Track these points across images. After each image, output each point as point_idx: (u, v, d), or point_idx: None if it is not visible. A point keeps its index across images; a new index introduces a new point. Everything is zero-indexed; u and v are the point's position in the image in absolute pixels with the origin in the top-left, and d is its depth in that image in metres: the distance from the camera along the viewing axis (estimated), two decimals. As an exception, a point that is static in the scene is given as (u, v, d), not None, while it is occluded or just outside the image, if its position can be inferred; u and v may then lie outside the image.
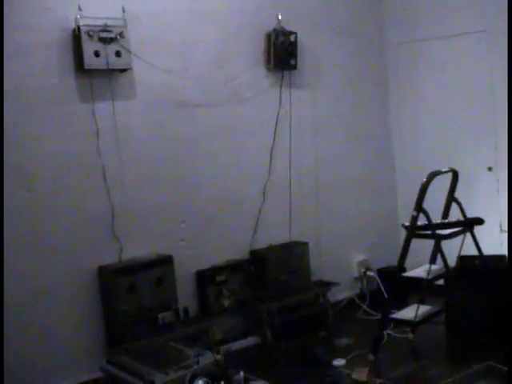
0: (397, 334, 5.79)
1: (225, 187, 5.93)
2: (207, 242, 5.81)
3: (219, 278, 5.73)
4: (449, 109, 6.90)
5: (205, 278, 5.69)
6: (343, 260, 6.87)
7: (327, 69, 6.74)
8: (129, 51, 5.16)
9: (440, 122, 6.99)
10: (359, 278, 6.96)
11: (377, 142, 7.27)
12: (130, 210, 5.36)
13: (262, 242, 6.12)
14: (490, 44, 6.44)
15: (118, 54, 5.08)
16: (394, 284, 5.69)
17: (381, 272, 6.84)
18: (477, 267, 5.53)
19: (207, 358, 4.33)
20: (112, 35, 5.04)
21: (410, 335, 5.64)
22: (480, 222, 5.46)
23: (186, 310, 5.54)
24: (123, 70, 5.25)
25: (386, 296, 6.21)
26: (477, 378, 3.47)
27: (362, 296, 6.87)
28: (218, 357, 4.34)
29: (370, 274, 6.90)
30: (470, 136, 6.75)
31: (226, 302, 5.74)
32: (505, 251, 5.76)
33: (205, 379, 3.96)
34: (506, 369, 3.44)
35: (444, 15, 6.77)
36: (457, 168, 5.67)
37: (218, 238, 5.88)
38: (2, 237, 4.52)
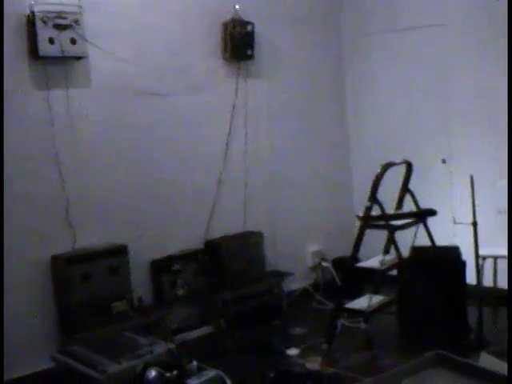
0: (350, 324, 5.83)
1: (181, 176, 5.93)
2: (163, 232, 5.80)
3: (174, 268, 5.73)
4: (404, 102, 6.95)
5: (160, 268, 5.69)
6: (298, 250, 6.91)
7: (284, 60, 6.76)
8: (84, 39, 5.12)
9: (395, 114, 7.05)
10: (314, 268, 7.01)
11: (333, 134, 7.31)
12: (85, 199, 5.34)
13: (217, 232, 6.13)
14: (444, 37, 6.51)
15: (73, 41, 5.03)
16: (348, 274, 5.73)
17: (335, 262, 6.90)
18: (429, 258, 5.59)
19: (160, 348, 4.32)
20: (67, 22, 4.99)
21: (363, 325, 5.68)
22: (433, 213, 5.52)
23: (140, 300, 5.53)
24: (79, 58, 5.21)
25: (339, 286, 6.27)
26: (426, 365, 3.49)
27: (316, 286, 6.91)
28: (172, 346, 4.34)
29: (325, 264, 6.95)
30: (425, 129, 6.82)
31: (181, 292, 5.74)
32: (457, 242, 5.83)
33: (157, 368, 3.95)
34: (455, 357, 3.49)
35: (399, 8, 6.84)
36: (412, 160, 5.73)
37: (174, 228, 5.88)
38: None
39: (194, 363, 4.14)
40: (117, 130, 5.52)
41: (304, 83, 6.98)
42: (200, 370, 4.12)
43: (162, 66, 5.79)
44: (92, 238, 5.35)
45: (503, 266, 6.15)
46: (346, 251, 5.54)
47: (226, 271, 5.92)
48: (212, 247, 6.00)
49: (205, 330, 5.83)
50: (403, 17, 6.85)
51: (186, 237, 5.96)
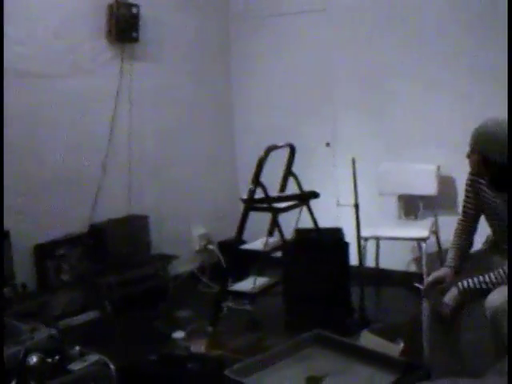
0: (236, 306, 5.89)
1: (65, 159, 5.80)
2: (46, 216, 5.69)
3: (58, 252, 5.62)
4: (290, 86, 7.04)
5: (43, 253, 5.58)
6: (184, 233, 6.91)
7: (170, 42, 6.72)
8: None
9: (281, 97, 7.13)
10: (200, 251, 7.03)
11: (218, 117, 7.34)
12: (-37, 182, 5.19)
13: (101, 216, 6.05)
14: (330, 22, 6.61)
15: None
16: (233, 257, 5.76)
17: (221, 245, 6.94)
18: (312, 239, 5.68)
19: (43, 333, 4.25)
20: None
21: (249, 306, 5.76)
22: (315, 195, 5.61)
23: (24, 286, 5.42)
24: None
25: (225, 268, 6.31)
26: (305, 345, 3.58)
27: (202, 269, 6.94)
28: (54, 331, 4.28)
29: (211, 247, 6.99)
30: (311, 112, 6.93)
31: (66, 277, 5.66)
32: (341, 224, 5.94)
33: (39, 354, 3.89)
34: (333, 336, 3.59)
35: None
36: (297, 143, 5.79)
37: (58, 212, 5.76)
38: None
39: (77, 348, 4.09)
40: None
41: (190, 66, 6.97)
42: (83, 355, 4.07)
43: (46, 47, 5.64)
44: (-29, 222, 5.21)
45: (384, 246, 6.34)
46: (232, 234, 5.57)
47: (110, 255, 5.87)
48: (96, 231, 5.92)
49: (90, 315, 5.74)
50: (289, 1, 6.92)
51: (70, 221, 5.85)
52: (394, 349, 4.03)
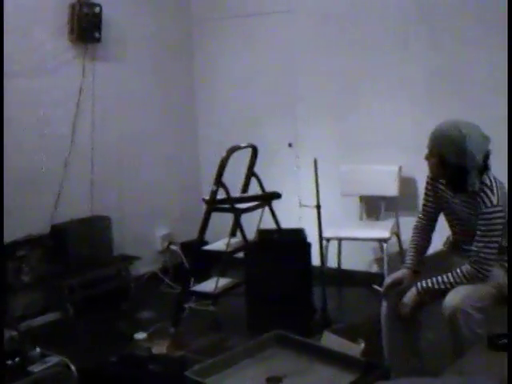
0: (198, 307, 5.88)
1: (27, 159, 5.77)
2: (7, 216, 5.57)
3: (19, 253, 5.58)
4: (254, 86, 7.05)
5: (4, 254, 5.54)
6: (147, 234, 6.89)
7: (133, 43, 6.70)
8: None
9: (244, 98, 7.14)
10: (162, 252, 7.03)
11: (181, 118, 7.34)
12: None
13: (63, 217, 6.00)
14: (293, 24, 6.64)
15: None
16: (196, 257, 5.75)
17: (183, 246, 6.93)
18: (275, 240, 5.70)
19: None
20: None
21: (211, 307, 5.76)
22: (277, 196, 5.63)
23: (-17, 287, 5.39)
24: None
25: (187, 269, 6.30)
26: (266, 345, 3.59)
27: (165, 270, 6.94)
28: (14, 333, 4.25)
29: (173, 247, 6.98)
30: (273, 113, 6.94)
31: (26, 278, 5.62)
32: (303, 225, 5.97)
33: (-1, 356, 3.88)
34: (294, 336, 3.60)
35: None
36: (260, 144, 5.82)
37: (19, 212, 5.69)
38: None
39: (38, 350, 4.08)
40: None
41: (153, 67, 6.96)
42: (44, 356, 4.06)
43: (8, 47, 5.57)
44: None
45: (346, 247, 6.38)
46: (195, 235, 5.57)
47: (72, 256, 5.83)
48: (58, 232, 5.87)
49: (51, 317, 5.74)
50: (252, 2, 6.94)
51: (31, 221, 5.80)
52: (355, 349, 4.05)
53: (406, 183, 6.15)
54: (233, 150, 5.34)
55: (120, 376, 4.27)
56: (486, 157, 3.69)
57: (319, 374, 3.35)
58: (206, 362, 3.44)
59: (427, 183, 4.06)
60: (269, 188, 5.72)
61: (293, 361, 3.49)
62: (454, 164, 3.66)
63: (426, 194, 4.11)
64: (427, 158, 3.81)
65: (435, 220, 4.14)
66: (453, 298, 3.61)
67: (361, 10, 6.25)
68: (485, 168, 3.70)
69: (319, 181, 5.36)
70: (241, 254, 5.77)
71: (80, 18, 6.00)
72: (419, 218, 4.17)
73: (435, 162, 3.77)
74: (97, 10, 6.10)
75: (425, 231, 4.14)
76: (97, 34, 6.16)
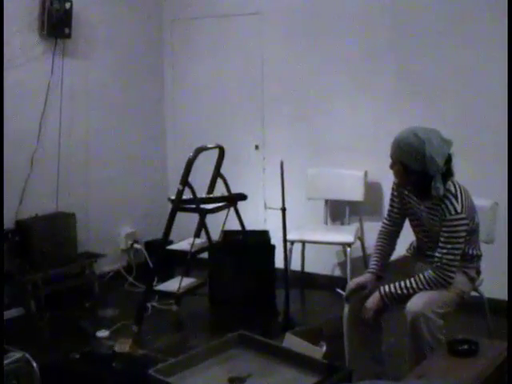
0: (161, 306, 5.90)
1: (-8, 154, 5.74)
2: (-30, 212, 5.62)
3: (-18, 248, 5.57)
4: (221, 88, 7.06)
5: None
6: (111, 232, 6.88)
7: (103, 40, 6.69)
8: None
9: (213, 99, 7.13)
10: (127, 251, 7.02)
11: (149, 117, 7.32)
12: None
13: (28, 212, 5.98)
14: (261, 26, 6.67)
15: None
16: (160, 257, 5.75)
17: (148, 244, 6.94)
18: (239, 241, 5.73)
19: (-36, 330, 4.22)
20: None
21: (175, 307, 5.77)
22: (243, 197, 5.66)
23: None
24: None
25: (151, 268, 6.31)
26: (228, 345, 3.62)
27: (129, 268, 6.92)
28: (-24, 329, 4.24)
29: (137, 246, 6.97)
30: (241, 114, 6.95)
31: (-11, 273, 5.60)
32: (268, 227, 6.00)
33: (-40, 351, 3.85)
34: (257, 337, 3.64)
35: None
36: (227, 145, 5.84)
37: (-17, 207, 5.70)
38: None
39: (-1, 345, 4.06)
40: None
41: (123, 65, 6.94)
42: (5, 352, 4.04)
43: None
44: None
45: (310, 250, 6.42)
46: (159, 234, 5.58)
47: (36, 252, 5.80)
48: (22, 228, 5.84)
49: (14, 312, 5.71)
50: (222, 3, 6.95)
51: (-4, 216, 5.79)
52: (317, 351, 4.09)
53: (372, 188, 6.20)
54: (200, 150, 5.35)
55: (82, 373, 4.27)
56: (448, 161, 3.72)
57: (282, 375, 3.38)
58: (170, 361, 3.46)
59: (393, 189, 4.10)
60: (235, 189, 5.74)
61: (255, 361, 3.52)
62: (417, 170, 3.70)
63: (391, 199, 4.14)
64: (391, 166, 3.85)
65: (400, 225, 4.17)
66: (415, 303, 3.65)
67: (328, 14, 6.28)
68: (448, 173, 3.75)
69: (285, 183, 5.39)
70: (205, 255, 5.81)
71: (50, 14, 5.97)
72: (384, 223, 4.21)
73: (398, 169, 3.80)
74: (67, 5, 6.07)
75: (389, 236, 4.17)
76: (67, 30, 6.13)
